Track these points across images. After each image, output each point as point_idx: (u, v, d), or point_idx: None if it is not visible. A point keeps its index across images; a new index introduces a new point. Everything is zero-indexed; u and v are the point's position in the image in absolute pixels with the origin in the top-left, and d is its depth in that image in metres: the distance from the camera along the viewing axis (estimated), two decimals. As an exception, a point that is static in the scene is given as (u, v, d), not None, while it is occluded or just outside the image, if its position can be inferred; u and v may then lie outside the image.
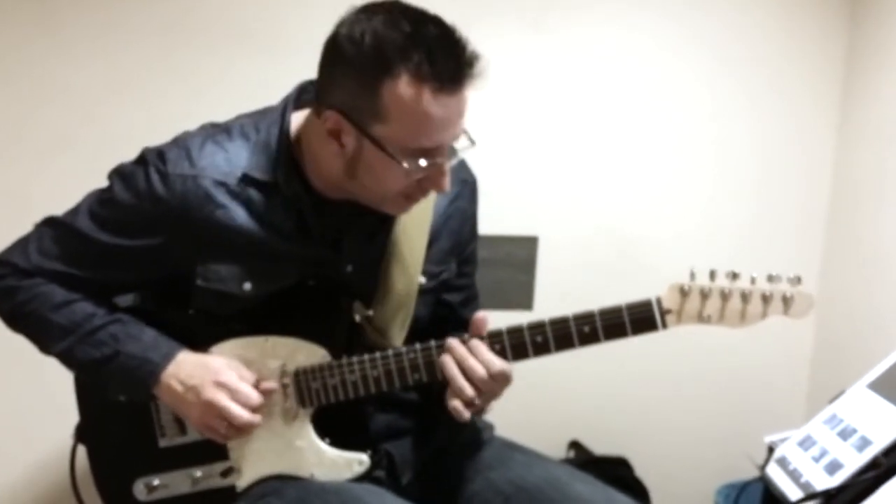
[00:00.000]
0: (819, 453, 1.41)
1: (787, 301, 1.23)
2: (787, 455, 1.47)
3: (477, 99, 2.02)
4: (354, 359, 1.31)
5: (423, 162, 1.19)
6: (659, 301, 1.26)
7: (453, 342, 1.27)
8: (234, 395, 1.27)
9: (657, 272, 2.17)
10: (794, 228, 2.25)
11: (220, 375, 1.27)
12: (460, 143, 1.25)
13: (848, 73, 2.18)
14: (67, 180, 1.84)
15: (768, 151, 2.21)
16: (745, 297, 1.24)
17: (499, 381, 1.27)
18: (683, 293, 1.25)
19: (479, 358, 1.25)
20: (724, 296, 1.24)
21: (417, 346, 1.30)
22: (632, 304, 1.27)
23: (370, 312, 1.36)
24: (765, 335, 2.18)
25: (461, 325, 1.50)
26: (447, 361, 1.26)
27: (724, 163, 2.20)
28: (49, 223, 1.35)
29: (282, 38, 1.94)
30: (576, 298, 2.14)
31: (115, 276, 1.34)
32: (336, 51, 1.17)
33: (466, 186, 1.49)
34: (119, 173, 1.33)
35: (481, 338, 1.28)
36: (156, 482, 1.36)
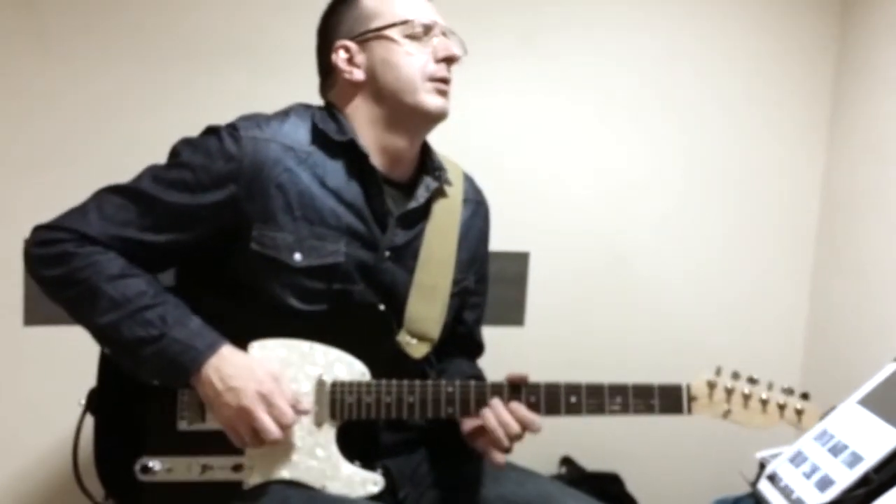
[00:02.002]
0: (810, 469, 1.41)
1: (799, 413, 1.37)
2: (778, 471, 1.47)
3: (469, 114, 2.03)
4: (394, 381, 1.33)
5: (417, 28, 1.37)
6: (688, 388, 1.36)
7: (496, 403, 1.33)
8: (270, 409, 1.27)
9: (648, 288, 2.22)
10: (785, 245, 2.26)
11: (263, 386, 1.27)
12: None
13: (837, 90, 2.20)
14: (58, 193, 1.83)
15: (758, 167, 2.22)
16: (763, 402, 1.38)
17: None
18: (710, 386, 1.38)
19: (517, 417, 1.31)
20: (746, 397, 1.38)
21: (457, 381, 1.33)
22: (664, 386, 1.36)
23: (413, 341, 1.40)
24: (755, 352, 2.20)
25: (472, 350, 1.63)
26: (489, 417, 1.31)
27: (713, 178, 2.21)
28: (110, 190, 1.34)
29: (275, 52, 1.94)
30: (567, 313, 2.18)
31: (180, 238, 1.33)
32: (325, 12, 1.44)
33: (482, 206, 1.58)
34: (187, 142, 1.36)
35: (518, 389, 1.33)
36: (162, 464, 1.34)
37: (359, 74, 1.38)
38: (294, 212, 1.33)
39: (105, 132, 1.91)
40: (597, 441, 2.22)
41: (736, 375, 1.37)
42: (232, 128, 1.34)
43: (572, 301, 2.18)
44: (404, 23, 1.37)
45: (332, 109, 1.42)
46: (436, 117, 1.41)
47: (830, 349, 2.09)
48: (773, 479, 1.47)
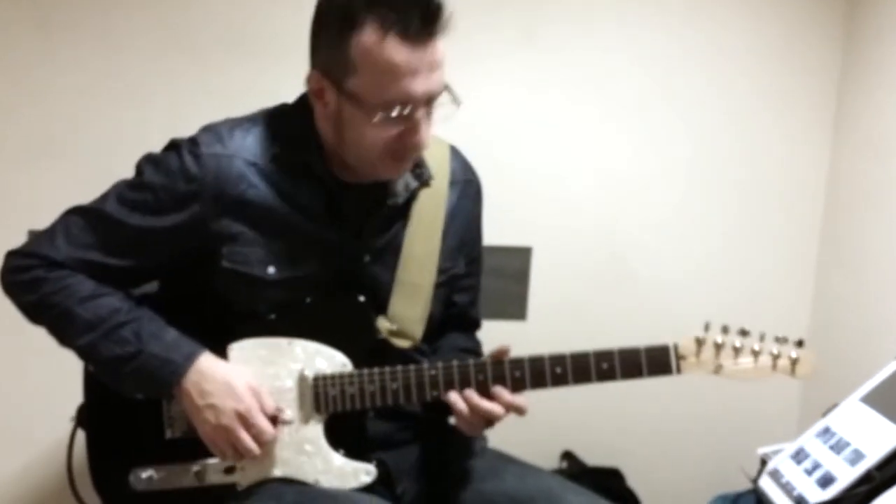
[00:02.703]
0: (812, 466, 1.41)
1: (793, 361, 1.30)
2: (779, 468, 1.47)
3: (472, 109, 2.03)
4: (375, 370, 1.32)
5: (394, 113, 1.22)
6: (676, 347, 1.31)
7: (468, 393, 1.30)
8: (249, 428, 1.27)
9: (650, 284, 2.22)
10: (787, 241, 2.25)
11: (241, 404, 1.27)
12: (443, 101, 1.28)
13: (842, 88, 2.19)
14: (55, 184, 1.85)
15: (761, 165, 2.21)
16: (755, 353, 1.31)
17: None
18: (699, 342, 1.31)
19: (502, 403, 1.30)
20: (737, 350, 1.31)
21: (439, 364, 1.32)
22: (650, 347, 1.31)
23: (394, 327, 1.38)
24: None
25: (468, 326, 1.58)
26: (459, 404, 1.29)
27: (716, 176, 2.20)
28: (76, 212, 1.34)
29: (273, 43, 1.94)
30: (569, 308, 2.18)
31: (145, 261, 1.34)
32: (316, 13, 1.26)
33: (471, 186, 1.52)
34: (149, 160, 1.34)
35: (501, 365, 1.31)
36: (155, 473, 1.35)
37: (325, 109, 1.28)
38: (261, 228, 1.32)
39: (104, 123, 1.91)
40: (598, 436, 2.22)
41: (726, 329, 1.32)
42: (193, 143, 1.31)
43: (574, 296, 2.18)
44: (385, 105, 1.22)
45: (300, 118, 1.34)
46: (389, 178, 1.36)
47: (833, 347, 2.09)
48: (774, 475, 1.47)
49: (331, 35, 1.22)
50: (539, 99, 2.10)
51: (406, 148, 1.28)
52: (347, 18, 1.18)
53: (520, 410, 1.31)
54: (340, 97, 1.24)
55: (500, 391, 1.30)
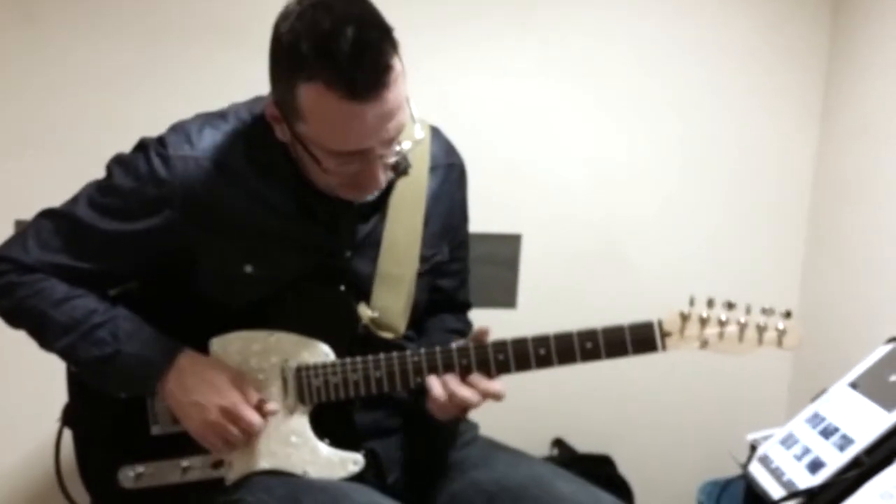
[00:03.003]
0: (801, 451, 1.42)
1: (780, 332, 1.28)
2: (769, 453, 1.48)
3: (463, 96, 2.02)
4: (358, 358, 1.31)
5: (341, 164, 1.18)
6: (660, 323, 1.29)
7: (448, 377, 1.30)
8: (236, 422, 1.27)
9: (640, 271, 2.22)
10: (776, 228, 2.26)
11: (225, 398, 1.27)
12: (406, 142, 1.22)
13: (830, 76, 2.19)
14: (42, 175, 1.84)
15: (750, 153, 2.22)
16: (741, 326, 1.28)
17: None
18: (683, 318, 1.29)
19: (480, 390, 1.29)
20: (722, 323, 1.29)
21: (422, 350, 1.31)
22: (634, 324, 1.29)
23: (376, 314, 1.36)
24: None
25: (457, 308, 1.56)
26: (436, 388, 1.29)
27: (705, 164, 2.20)
28: (47, 215, 1.33)
29: (263, 32, 1.91)
30: (559, 296, 2.18)
31: (118, 265, 1.33)
32: (271, 46, 1.18)
33: (453, 170, 1.48)
34: (118, 161, 1.32)
35: (484, 349, 1.29)
36: (143, 470, 1.34)
37: (283, 135, 1.24)
38: (234, 229, 1.30)
39: (91, 113, 1.90)
40: (589, 423, 2.23)
41: (711, 303, 1.29)
42: (160, 145, 1.28)
43: (564, 284, 2.18)
44: (334, 154, 1.18)
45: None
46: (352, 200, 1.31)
47: (821, 333, 2.10)
48: (764, 461, 1.48)
49: (281, 77, 1.16)
50: (529, 86, 2.09)
51: (360, 185, 1.24)
52: (295, 67, 1.12)
53: (497, 397, 1.30)
54: (293, 136, 1.20)
55: (478, 379, 1.29)
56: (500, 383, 1.31)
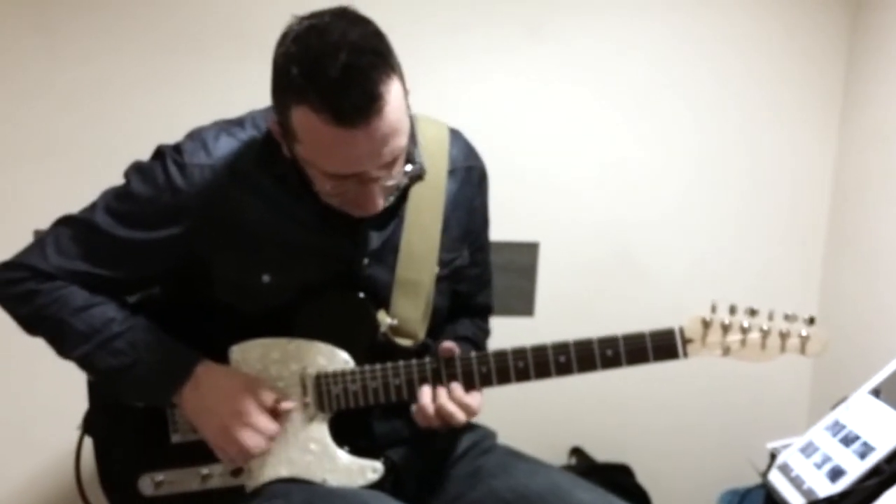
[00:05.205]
0: (821, 460, 1.41)
1: (804, 339, 1.27)
2: (789, 461, 1.47)
3: (478, 104, 2.02)
4: (377, 366, 1.32)
5: (337, 185, 1.18)
6: (682, 330, 1.29)
7: (439, 391, 1.30)
8: (250, 427, 1.27)
9: (658, 278, 2.21)
10: (794, 235, 2.25)
11: (238, 404, 1.27)
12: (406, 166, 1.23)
13: (848, 79, 2.18)
14: (59, 183, 1.86)
15: (768, 160, 2.21)
16: (764, 333, 1.28)
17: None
18: (705, 324, 1.28)
19: (456, 402, 1.30)
20: (745, 330, 1.28)
21: (441, 358, 1.32)
22: (655, 331, 1.29)
23: (395, 322, 1.36)
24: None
25: (474, 312, 1.56)
26: (426, 399, 1.30)
27: (724, 168, 2.20)
28: (65, 222, 1.33)
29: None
30: (577, 304, 2.18)
31: (136, 272, 1.33)
32: (272, 65, 1.17)
33: (473, 172, 1.46)
34: (136, 169, 1.32)
35: (504, 357, 1.30)
36: (163, 478, 1.35)
37: (286, 153, 1.24)
38: (250, 238, 1.29)
39: (107, 121, 1.91)
40: (607, 432, 2.22)
41: (733, 309, 1.28)
42: (177, 153, 1.28)
43: (582, 292, 2.18)
44: (330, 175, 1.17)
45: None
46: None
47: (841, 339, 2.08)
48: (784, 469, 1.47)
49: (277, 97, 1.17)
50: (545, 93, 2.10)
51: (359, 206, 1.23)
52: (287, 91, 1.12)
53: (470, 411, 1.30)
54: (292, 155, 1.21)
55: (460, 394, 1.30)
56: (476, 398, 1.31)
